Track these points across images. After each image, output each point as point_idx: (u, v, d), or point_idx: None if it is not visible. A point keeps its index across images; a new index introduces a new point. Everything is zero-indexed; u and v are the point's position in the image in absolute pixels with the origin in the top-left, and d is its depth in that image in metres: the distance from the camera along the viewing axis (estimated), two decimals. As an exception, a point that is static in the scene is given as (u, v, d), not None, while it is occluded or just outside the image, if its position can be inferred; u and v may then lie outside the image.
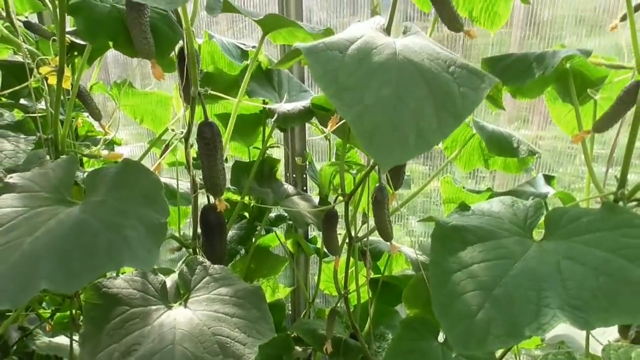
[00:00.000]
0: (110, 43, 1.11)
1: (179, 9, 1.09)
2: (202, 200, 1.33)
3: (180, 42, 1.14)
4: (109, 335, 0.98)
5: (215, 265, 1.13)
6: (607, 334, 1.40)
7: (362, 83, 0.72)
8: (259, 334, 1.02)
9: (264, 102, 1.53)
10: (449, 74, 0.75)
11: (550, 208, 1.03)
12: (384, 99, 0.71)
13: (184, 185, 1.75)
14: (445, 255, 0.88)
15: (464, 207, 1.03)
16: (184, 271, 1.12)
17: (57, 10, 1.06)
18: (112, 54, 2.21)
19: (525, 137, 1.95)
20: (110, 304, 1.03)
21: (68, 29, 1.32)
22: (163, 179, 1.76)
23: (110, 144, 1.82)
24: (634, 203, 1.09)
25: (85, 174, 1.07)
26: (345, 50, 0.75)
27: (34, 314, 1.85)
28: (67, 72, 1.21)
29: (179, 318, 1.00)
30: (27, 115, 1.34)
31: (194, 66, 1.07)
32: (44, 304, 2.00)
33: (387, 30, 0.90)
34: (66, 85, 1.23)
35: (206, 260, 1.15)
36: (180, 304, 1.06)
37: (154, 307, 1.04)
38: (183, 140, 1.26)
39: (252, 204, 1.70)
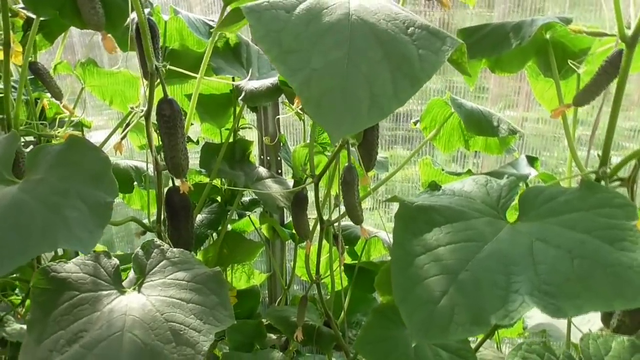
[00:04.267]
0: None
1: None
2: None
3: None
4: (56, 321, 0.92)
5: (174, 249, 1.06)
6: (592, 323, 1.35)
7: (309, 45, 0.65)
8: (216, 321, 0.95)
9: (234, 81, 1.46)
10: (408, 35, 0.68)
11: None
12: (333, 62, 0.65)
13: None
14: (408, 237, 0.81)
15: (434, 187, 0.96)
16: (139, 255, 1.05)
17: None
18: (77, 32, 2.12)
19: (510, 118, 1.89)
20: (59, 288, 0.97)
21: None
22: (134, 162, 1.70)
23: (79, 127, 1.74)
24: (617, 183, 1.03)
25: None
26: (293, 10, 0.68)
27: (7, 301, 1.80)
28: (17, 47, 1.14)
29: (131, 304, 0.94)
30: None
31: (145, 38, 0.99)
32: (16, 290, 1.96)
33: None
34: (16, 60, 1.16)
35: (164, 243, 1.08)
36: (134, 289, 1.00)
37: (105, 293, 0.98)
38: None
39: (224, 187, 1.64)
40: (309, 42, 0.65)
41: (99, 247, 1.91)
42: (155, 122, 1.14)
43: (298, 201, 1.28)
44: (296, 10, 0.68)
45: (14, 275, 1.58)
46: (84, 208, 0.85)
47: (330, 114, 0.64)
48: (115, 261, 1.04)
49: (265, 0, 0.68)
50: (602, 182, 1.00)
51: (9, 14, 1.19)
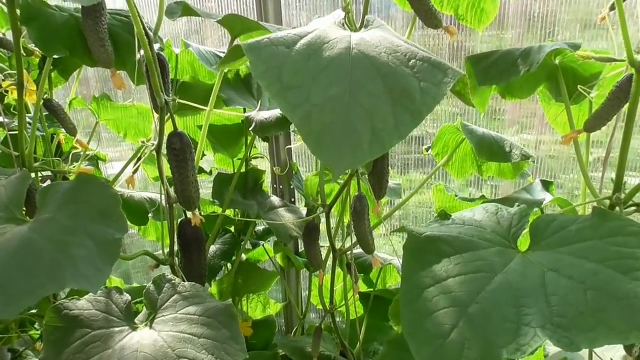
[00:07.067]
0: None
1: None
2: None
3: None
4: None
5: (186, 283, 1.06)
6: (616, 350, 1.31)
7: (309, 80, 0.65)
8: (228, 355, 0.94)
9: (245, 112, 1.47)
10: (409, 68, 0.68)
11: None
12: (333, 97, 0.65)
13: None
14: (417, 269, 0.80)
15: (443, 216, 0.95)
16: (151, 289, 1.05)
17: (10, 21, 1.01)
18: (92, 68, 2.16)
19: (526, 141, 1.86)
20: (71, 326, 0.97)
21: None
22: (149, 194, 1.71)
23: (94, 160, 1.77)
24: (633, 208, 1.00)
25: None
26: (293, 46, 0.68)
27: (27, 335, 1.82)
28: (32, 85, 1.16)
29: (142, 340, 0.94)
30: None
31: (153, 74, 1.01)
32: (35, 325, 1.97)
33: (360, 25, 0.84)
34: (30, 99, 1.18)
35: (176, 277, 1.08)
36: (145, 324, 1.00)
37: (116, 329, 0.98)
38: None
39: (237, 218, 1.64)
40: (309, 77, 0.65)
41: (115, 281, 1.92)
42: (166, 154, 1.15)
43: (309, 231, 1.27)
44: (296, 46, 0.68)
45: (32, 310, 1.59)
46: (91, 245, 0.84)
47: (330, 148, 0.63)
48: (127, 297, 1.04)
49: (265, 37, 0.68)
50: (617, 208, 0.98)
51: (25, 54, 1.23)
